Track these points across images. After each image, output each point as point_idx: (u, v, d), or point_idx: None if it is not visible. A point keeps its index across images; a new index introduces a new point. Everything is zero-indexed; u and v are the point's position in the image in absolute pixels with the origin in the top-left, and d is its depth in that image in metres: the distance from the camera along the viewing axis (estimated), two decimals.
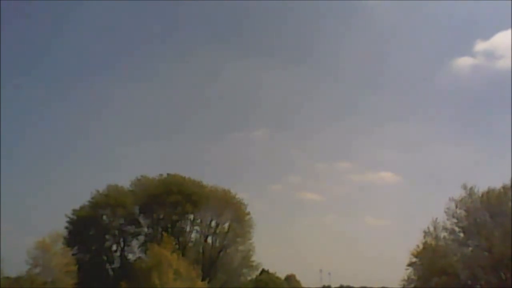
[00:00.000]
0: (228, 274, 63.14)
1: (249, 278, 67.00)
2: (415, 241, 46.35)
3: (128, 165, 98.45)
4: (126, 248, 63.83)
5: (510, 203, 42.36)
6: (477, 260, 42.21)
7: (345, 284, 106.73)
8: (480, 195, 43.66)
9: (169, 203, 61.22)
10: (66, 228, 61.17)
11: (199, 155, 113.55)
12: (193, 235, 64.52)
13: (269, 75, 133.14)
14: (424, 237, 45.45)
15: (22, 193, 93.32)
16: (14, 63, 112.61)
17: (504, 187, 43.49)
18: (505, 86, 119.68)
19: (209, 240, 64.06)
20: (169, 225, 62.38)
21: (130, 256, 63.49)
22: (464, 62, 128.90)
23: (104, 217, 63.07)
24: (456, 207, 43.78)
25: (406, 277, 46.47)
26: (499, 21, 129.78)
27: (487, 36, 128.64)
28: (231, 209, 62.89)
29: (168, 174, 65.61)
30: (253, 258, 64.37)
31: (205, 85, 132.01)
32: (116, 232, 63.52)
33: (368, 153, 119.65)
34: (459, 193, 43.85)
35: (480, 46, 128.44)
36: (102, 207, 62.31)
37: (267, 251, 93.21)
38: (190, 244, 63.34)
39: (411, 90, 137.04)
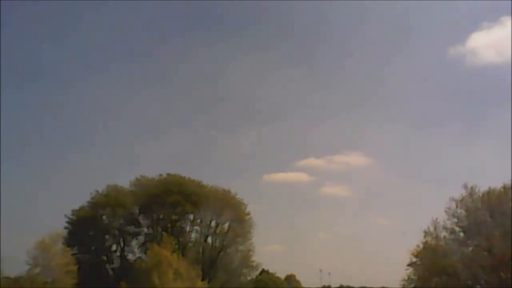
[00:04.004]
0: (228, 274, 63.13)
1: (249, 278, 67.02)
2: (415, 241, 46.45)
3: (128, 165, 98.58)
4: (126, 248, 63.89)
5: (510, 203, 42.35)
6: (477, 260, 42.23)
7: (345, 284, 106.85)
8: (480, 195, 43.67)
9: (169, 203, 61.22)
10: (66, 228, 61.24)
11: (199, 154, 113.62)
12: (193, 235, 64.66)
13: (269, 74, 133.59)
14: (424, 237, 45.49)
15: (22, 193, 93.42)
16: (14, 62, 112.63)
17: (504, 187, 43.50)
18: (505, 85, 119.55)
19: (209, 240, 64.16)
20: (169, 225, 62.38)
21: (130, 256, 63.58)
22: (464, 61, 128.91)
23: (104, 217, 63.04)
24: (457, 206, 43.81)
25: (406, 277, 46.54)
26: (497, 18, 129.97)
27: (486, 34, 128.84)
28: (231, 209, 62.90)
29: (168, 174, 65.60)
30: (253, 258, 64.53)
31: (205, 84, 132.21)
32: (116, 232, 63.51)
33: (368, 152, 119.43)
34: (459, 193, 43.94)
35: (480, 45, 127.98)
36: (102, 207, 62.27)
37: (267, 250, 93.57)
38: (190, 244, 63.32)
39: (411, 90, 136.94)
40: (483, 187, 44.21)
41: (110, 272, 63.03)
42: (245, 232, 63.75)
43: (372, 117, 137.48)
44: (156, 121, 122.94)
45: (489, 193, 43.46)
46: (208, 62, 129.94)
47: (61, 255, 50.26)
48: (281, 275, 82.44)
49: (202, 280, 52.42)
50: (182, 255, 53.25)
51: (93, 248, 62.57)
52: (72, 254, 54.95)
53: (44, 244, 48.85)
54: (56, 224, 62.71)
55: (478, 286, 43.84)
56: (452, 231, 44.24)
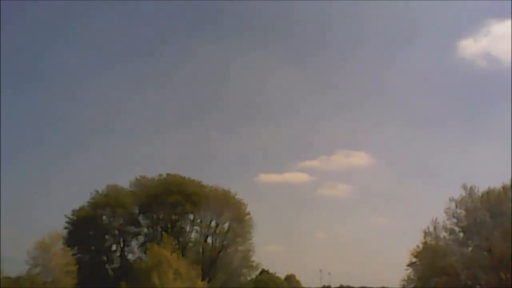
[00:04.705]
0: (228, 274, 63.12)
1: (249, 278, 67.03)
2: (415, 241, 46.49)
3: (128, 165, 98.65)
4: (126, 248, 63.87)
5: (510, 203, 42.38)
6: (477, 260, 42.26)
7: (345, 284, 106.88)
8: (480, 195, 43.71)
9: (168, 203, 61.21)
10: (66, 228, 61.23)
11: (199, 154, 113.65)
12: (193, 235, 64.64)
13: (269, 74, 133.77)
14: (424, 237, 45.56)
15: (22, 193, 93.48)
16: (14, 62, 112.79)
17: (504, 187, 43.53)
18: (505, 85, 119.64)
19: (209, 240, 64.14)
20: (169, 225, 62.41)
21: (130, 256, 63.58)
22: (464, 61, 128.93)
23: (104, 217, 63.05)
24: (456, 207, 43.86)
25: (406, 277, 46.65)
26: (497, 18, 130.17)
27: (486, 33, 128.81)
28: (231, 209, 62.90)
29: (167, 174, 65.58)
30: (253, 258, 64.55)
31: (205, 84, 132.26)
32: (116, 232, 63.51)
33: (368, 152, 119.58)
34: (459, 193, 43.97)
35: (480, 44, 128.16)
36: (102, 207, 62.27)
37: (267, 250, 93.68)
38: (190, 244, 63.33)
39: (411, 90, 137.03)
40: (482, 187, 44.35)
41: (110, 272, 63.02)
42: (245, 232, 63.75)
43: (372, 117, 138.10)
44: (156, 121, 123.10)
45: (489, 193, 43.50)
46: (208, 62, 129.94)
47: (61, 255, 50.22)
48: (281, 275, 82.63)
49: (202, 280, 52.42)
50: (182, 255, 53.29)
51: (93, 248, 62.51)
52: (72, 254, 54.92)
53: (44, 244, 48.82)
54: (56, 224, 62.82)
55: (478, 286, 43.88)
56: (452, 231, 44.29)
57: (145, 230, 63.93)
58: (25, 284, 47.00)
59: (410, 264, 46.45)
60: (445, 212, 44.13)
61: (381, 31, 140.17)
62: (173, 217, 62.68)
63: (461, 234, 44.10)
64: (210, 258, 62.16)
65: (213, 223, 63.42)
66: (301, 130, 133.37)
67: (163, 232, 58.42)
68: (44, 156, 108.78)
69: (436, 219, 44.74)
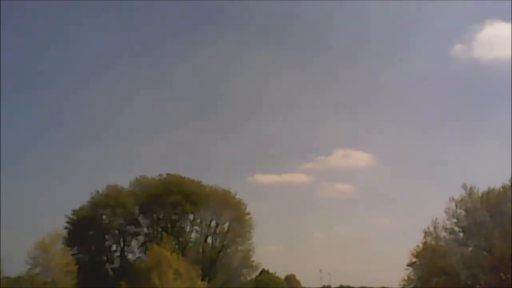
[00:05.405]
0: (228, 274, 63.18)
1: (249, 278, 67.08)
2: (415, 241, 46.52)
3: (128, 165, 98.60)
4: (126, 248, 63.93)
5: (510, 203, 42.40)
6: (477, 260, 42.28)
7: (345, 284, 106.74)
8: (480, 195, 43.75)
9: (168, 203, 61.26)
10: (66, 228, 61.24)
11: (199, 154, 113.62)
12: (193, 235, 64.73)
13: (269, 74, 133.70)
14: (424, 237, 45.57)
15: (22, 193, 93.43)
16: (14, 62, 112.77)
17: (504, 187, 43.55)
18: (505, 85, 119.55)
19: (209, 240, 64.22)
20: (168, 225, 62.45)
21: (130, 256, 63.64)
22: (464, 61, 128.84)
23: (104, 217, 63.12)
24: (456, 207, 43.90)
25: (406, 277, 46.70)
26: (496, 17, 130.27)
27: (487, 32, 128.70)
28: (231, 209, 62.95)
29: (167, 174, 65.64)
30: (253, 258, 64.57)
31: (205, 84, 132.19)
32: (116, 232, 63.56)
33: (368, 152, 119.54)
34: (459, 193, 43.99)
35: (480, 43, 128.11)
36: (102, 207, 62.33)
37: (267, 250, 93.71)
38: (190, 244, 63.38)
39: (411, 90, 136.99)
40: (482, 187, 44.36)
41: (110, 272, 63.08)
42: (245, 232, 63.81)
43: (372, 117, 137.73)
44: (156, 121, 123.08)
45: (489, 193, 43.53)
46: (208, 62, 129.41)
47: (61, 255, 50.25)
48: (281, 275, 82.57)
49: (202, 280, 52.42)
50: (182, 255, 53.32)
51: (93, 248, 62.59)
52: (72, 254, 54.99)
53: (44, 244, 48.85)
54: (56, 224, 62.81)
55: (478, 286, 43.87)
56: (452, 231, 44.31)
57: (145, 230, 64.01)
58: (25, 284, 47.04)
59: (410, 264, 46.49)
60: (445, 212, 44.23)
61: (381, 31, 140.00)
62: (173, 217, 62.72)
63: (461, 234, 44.12)
64: (210, 258, 62.19)
65: (213, 223, 63.59)
66: (300, 130, 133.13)
67: (163, 232, 58.40)
68: (44, 156, 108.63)
69: (436, 219, 44.81)
